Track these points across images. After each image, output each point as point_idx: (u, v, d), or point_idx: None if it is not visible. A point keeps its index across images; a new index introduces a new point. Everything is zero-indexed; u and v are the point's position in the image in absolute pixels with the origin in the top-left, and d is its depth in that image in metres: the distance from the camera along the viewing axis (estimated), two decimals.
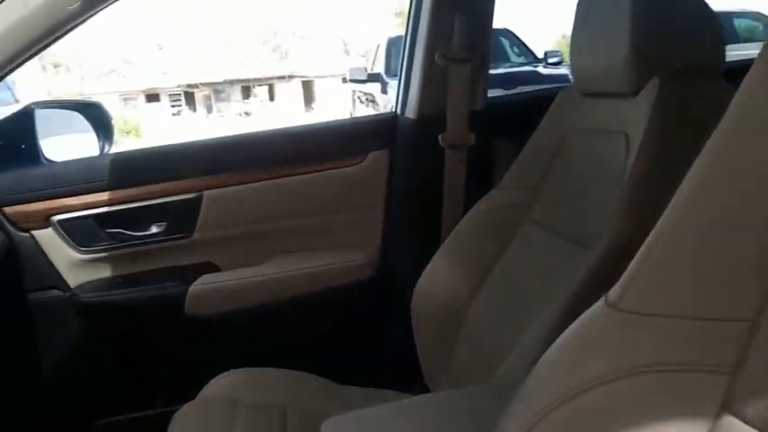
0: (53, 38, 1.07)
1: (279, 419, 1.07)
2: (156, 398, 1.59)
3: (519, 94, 3.10)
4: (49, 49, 1.13)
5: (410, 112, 1.59)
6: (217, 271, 1.60)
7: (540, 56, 7.18)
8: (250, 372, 1.20)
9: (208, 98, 21.50)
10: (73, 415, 1.57)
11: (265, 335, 1.62)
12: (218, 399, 1.12)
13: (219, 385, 1.16)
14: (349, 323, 1.67)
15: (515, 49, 7.54)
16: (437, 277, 1.29)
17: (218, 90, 21.74)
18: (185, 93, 21.32)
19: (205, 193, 1.55)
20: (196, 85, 21.26)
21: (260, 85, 21.90)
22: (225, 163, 1.58)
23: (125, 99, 20.20)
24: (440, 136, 1.51)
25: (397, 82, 1.70)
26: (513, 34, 7.59)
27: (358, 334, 1.67)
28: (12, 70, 1.25)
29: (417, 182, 1.59)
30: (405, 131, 1.61)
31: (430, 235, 1.51)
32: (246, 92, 21.93)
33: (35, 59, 1.13)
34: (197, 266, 1.59)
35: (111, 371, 1.60)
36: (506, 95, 2.87)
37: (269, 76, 22.07)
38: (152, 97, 20.94)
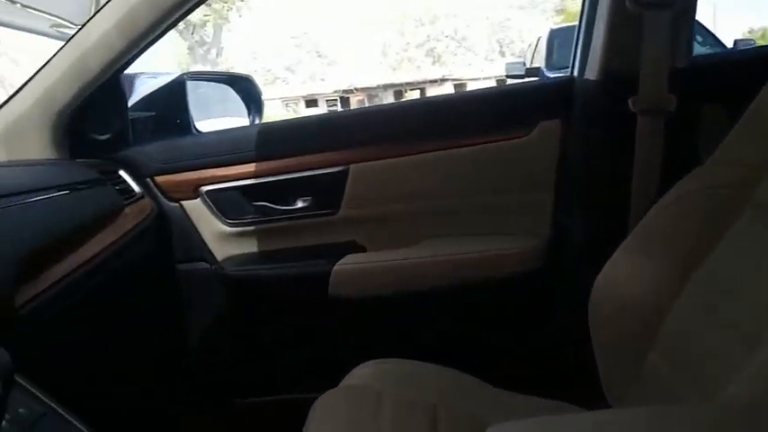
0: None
1: (429, 419, 0.94)
2: (294, 381, 1.49)
3: (733, 50, 2.60)
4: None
5: (591, 73, 1.33)
6: (362, 251, 1.47)
7: (729, 45, 6.33)
8: (397, 363, 1.08)
9: (362, 102, 22.20)
10: (213, 391, 1.52)
11: (412, 324, 1.45)
12: (361, 389, 1.02)
13: (364, 374, 1.07)
14: (507, 319, 1.45)
15: (699, 38, 6.74)
16: (623, 274, 1.01)
17: (371, 95, 22.38)
18: (341, 98, 22.23)
19: (351, 166, 1.43)
20: (351, 91, 22.08)
21: (412, 89, 22.17)
22: (374, 134, 1.44)
23: (286, 104, 21.55)
24: (630, 100, 1.22)
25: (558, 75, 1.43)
26: (698, 22, 6.79)
27: (517, 332, 1.45)
28: (155, 39, 1.22)
29: (598, 157, 1.33)
30: (584, 96, 1.35)
31: (614, 222, 1.24)
32: (399, 96, 22.32)
33: None
34: (342, 245, 1.47)
35: (254, 349, 1.53)
36: (717, 52, 2.39)
37: (421, 79, 22.29)
38: (311, 102, 22.11)
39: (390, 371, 1.06)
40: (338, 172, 1.43)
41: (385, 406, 0.95)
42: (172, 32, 1.33)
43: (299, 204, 1.46)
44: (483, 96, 1.55)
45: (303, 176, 1.43)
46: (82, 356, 1.07)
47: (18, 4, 3.72)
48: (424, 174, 1.43)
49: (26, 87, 1.27)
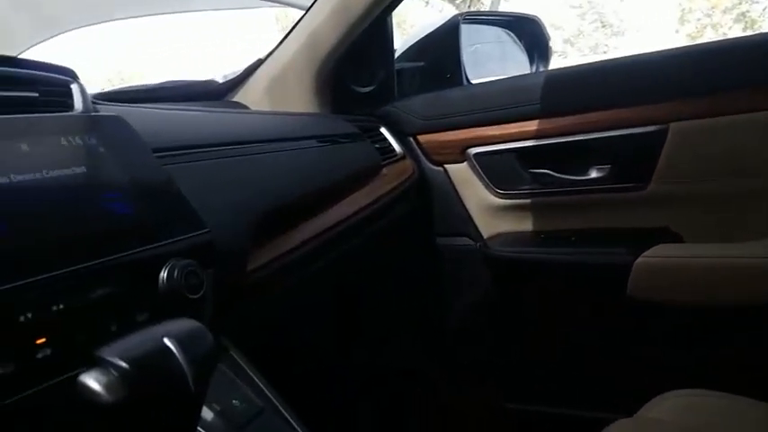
0: None
1: None
2: (565, 395, 1.19)
3: None
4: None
5: None
6: (678, 241, 1.08)
7: None
8: (713, 396, 0.82)
9: None
10: (479, 390, 1.29)
11: (732, 344, 1.03)
12: (670, 427, 0.76)
13: (670, 406, 0.81)
14: None
15: None
16: None
17: None
18: None
19: (672, 125, 1.03)
20: None
21: None
22: (706, 81, 1.02)
23: None
24: None
25: None
26: None
27: None
28: None
29: None
30: None
31: None
32: None
33: None
34: (649, 232, 1.10)
35: (520, 346, 1.26)
36: None
37: None
38: None
39: (709, 406, 0.80)
40: (651, 133, 1.05)
41: None
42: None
43: (593, 174, 1.12)
44: None
45: (599, 138, 1.09)
46: (316, 332, 0.93)
47: None
48: None
49: (290, 36, 1.17)
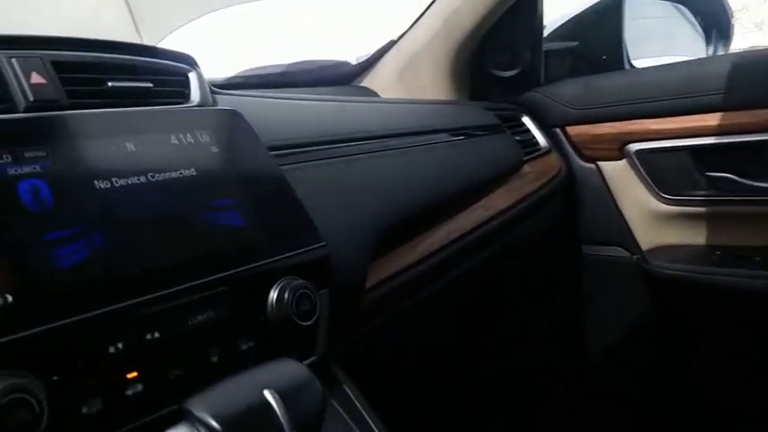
0: None
1: None
2: None
3: None
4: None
5: None
6: None
7: None
8: None
9: None
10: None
11: None
12: None
13: None
14: None
15: None
16: None
17: None
18: None
19: None
20: None
21: None
22: None
23: None
24: None
25: None
26: None
27: None
28: None
29: None
30: None
31: None
32: None
33: None
34: None
35: (681, 380, 1.08)
36: None
37: None
38: None
39: None
40: None
41: None
42: None
43: None
44: None
45: None
46: (437, 351, 0.83)
47: None
48: None
49: (425, 14, 1.06)
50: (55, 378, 0.35)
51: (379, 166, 0.68)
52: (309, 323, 0.48)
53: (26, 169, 0.40)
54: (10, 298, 0.35)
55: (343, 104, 0.79)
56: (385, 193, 0.65)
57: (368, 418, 0.53)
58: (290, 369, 0.41)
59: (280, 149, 0.58)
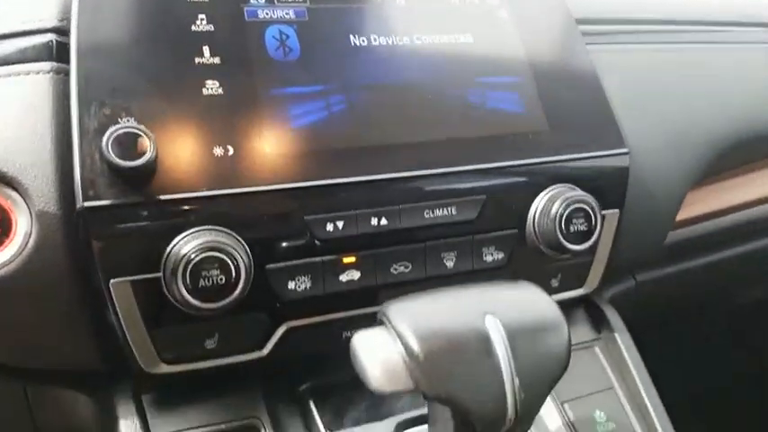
0: None
1: None
2: None
3: None
4: None
5: None
6: None
7: None
8: None
9: None
10: None
11: None
12: None
13: None
14: None
15: None
16: None
17: None
18: None
19: None
20: None
21: None
22: None
23: None
24: None
25: None
26: None
27: None
28: None
29: None
30: None
31: None
32: None
33: None
34: None
35: None
36: None
37: None
38: None
39: None
40: None
41: None
42: None
43: None
44: None
45: None
46: None
47: None
48: None
49: None
50: (259, 246, 0.31)
51: (719, 62, 0.47)
52: (581, 247, 0.36)
53: (278, 13, 0.36)
54: (231, 150, 0.31)
55: None
56: (724, 100, 0.45)
57: (638, 380, 0.39)
58: (532, 298, 0.29)
59: (592, 23, 0.44)
